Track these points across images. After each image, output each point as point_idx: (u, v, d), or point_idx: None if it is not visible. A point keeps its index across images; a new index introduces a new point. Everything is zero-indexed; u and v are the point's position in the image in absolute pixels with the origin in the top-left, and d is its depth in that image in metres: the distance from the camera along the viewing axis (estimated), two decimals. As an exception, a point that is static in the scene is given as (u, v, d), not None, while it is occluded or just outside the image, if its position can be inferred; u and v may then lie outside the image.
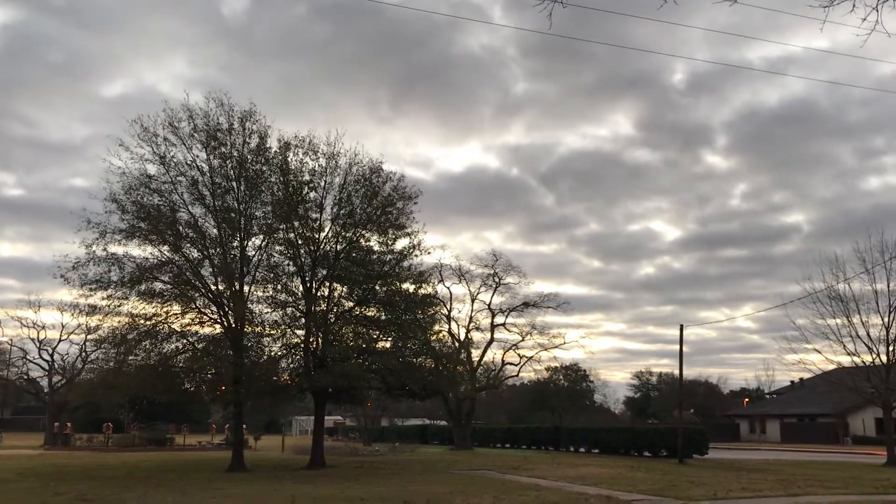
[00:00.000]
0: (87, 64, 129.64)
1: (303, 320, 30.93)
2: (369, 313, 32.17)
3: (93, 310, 29.20)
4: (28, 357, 59.76)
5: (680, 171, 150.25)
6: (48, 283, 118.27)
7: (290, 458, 38.91)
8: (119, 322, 29.02)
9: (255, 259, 30.40)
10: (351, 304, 31.90)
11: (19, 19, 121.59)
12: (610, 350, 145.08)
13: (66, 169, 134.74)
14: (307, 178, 30.62)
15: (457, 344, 50.16)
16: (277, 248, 31.04)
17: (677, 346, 39.80)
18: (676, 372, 47.89)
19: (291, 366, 32.05)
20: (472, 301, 53.01)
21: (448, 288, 51.52)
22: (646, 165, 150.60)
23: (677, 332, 39.91)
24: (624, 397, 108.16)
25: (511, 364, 54.63)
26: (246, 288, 29.98)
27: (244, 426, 35.49)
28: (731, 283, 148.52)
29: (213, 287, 29.53)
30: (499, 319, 53.38)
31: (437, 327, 36.94)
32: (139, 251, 28.94)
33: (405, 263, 31.97)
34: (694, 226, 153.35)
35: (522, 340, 53.39)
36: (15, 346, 60.04)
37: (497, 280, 52.67)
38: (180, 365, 31.05)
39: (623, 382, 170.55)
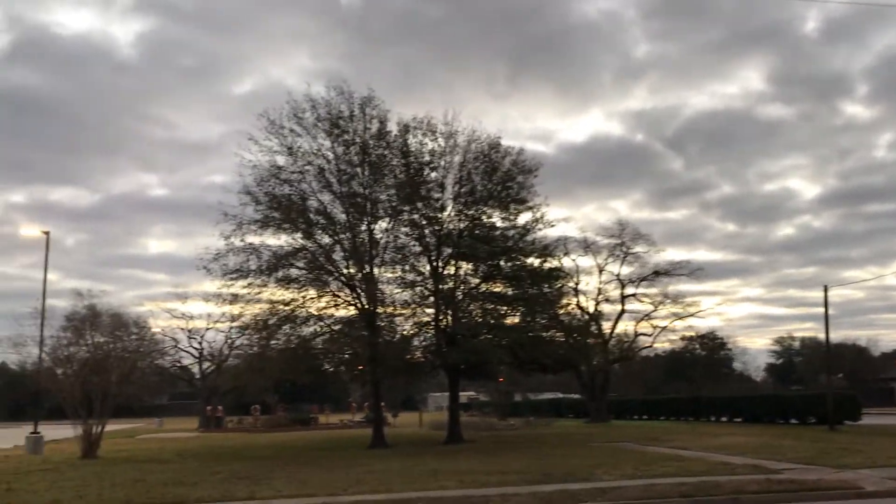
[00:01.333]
0: (218, 65, 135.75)
1: (431, 299, 31.41)
2: (496, 289, 32.26)
3: (234, 298, 30.70)
4: (179, 346, 63.57)
5: (817, 124, 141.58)
6: (193, 276, 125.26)
7: (428, 433, 39.74)
8: (260, 309, 30.43)
9: (383, 242, 31.07)
10: (477, 280, 32.08)
11: (154, 28, 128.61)
12: (748, 316, 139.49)
13: (204, 167, 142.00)
14: (427, 158, 30.94)
15: (587, 317, 49.61)
16: (403, 229, 31.58)
17: (821, 310, 37.87)
18: (821, 336, 45.46)
19: (423, 343, 32.69)
20: (600, 272, 52.25)
21: (574, 260, 50.98)
22: (780, 121, 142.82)
23: (820, 295, 37.93)
24: (765, 364, 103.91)
25: (644, 335, 53.58)
26: (376, 270, 30.71)
27: (382, 403, 36.51)
28: (878, 240, 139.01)
29: (344, 271, 30.46)
30: (629, 290, 52.45)
31: (564, 301, 36.65)
32: (274, 240, 30.22)
33: (529, 238, 31.84)
34: (835, 181, 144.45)
35: (655, 310, 52.29)
36: (167, 336, 64.11)
37: (625, 250, 51.68)
38: (319, 347, 32.30)
39: (763, 349, 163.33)
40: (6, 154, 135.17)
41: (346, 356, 33.18)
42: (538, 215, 31.30)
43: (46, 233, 34.76)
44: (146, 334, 33.19)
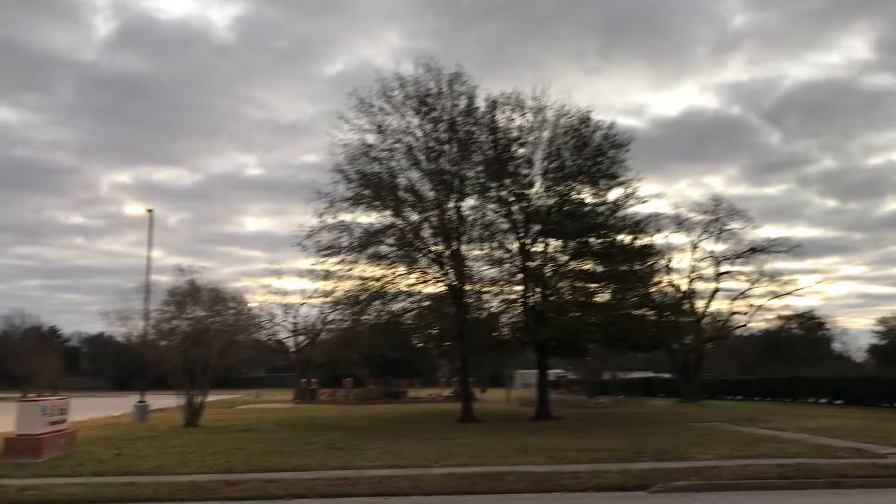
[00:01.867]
0: (310, 47, 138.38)
1: (519, 276, 31.36)
2: (585, 266, 31.89)
3: (327, 275, 31.45)
4: (275, 320, 65.55)
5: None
6: (288, 253, 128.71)
7: (516, 409, 39.84)
8: (351, 285, 31.10)
9: (471, 218, 31.14)
10: (566, 258, 31.79)
11: (250, 11, 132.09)
12: (849, 295, 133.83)
13: (297, 147, 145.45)
14: (515, 134, 30.75)
15: (679, 294, 48.55)
16: (490, 206, 31.53)
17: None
18: (932, 315, 43.12)
19: (511, 321, 32.70)
20: (693, 249, 50.96)
21: (666, 237, 49.82)
22: (887, 91, 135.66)
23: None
24: (868, 345, 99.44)
25: (739, 313, 52.06)
26: (463, 247, 30.85)
27: (470, 379, 36.79)
28: None
29: (433, 248, 30.72)
30: (724, 267, 51.00)
31: (656, 278, 35.96)
32: (365, 217, 30.72)
33: (620, 214, 31.30)
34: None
35: (751, 288, 50.72)
36: (263, 311, 66.10)
37: (720, 226, 50.21)
38: (408, 323, 32.77)
39: (865, 329, 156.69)
40: (113, 136, 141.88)
41: (435, 332, 33.58)
42: (630, 191, 30.75)
43: (150, 211, 36.36)
44: (244, 309, 34.32)
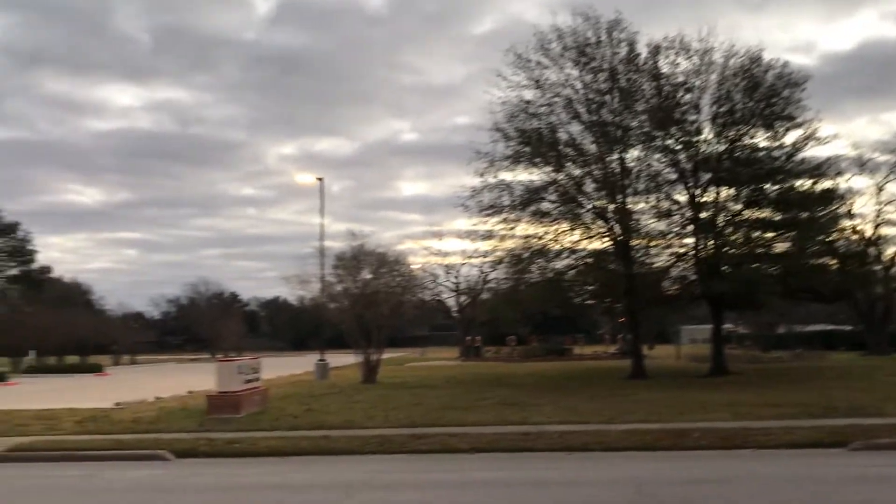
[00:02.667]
0: (458, 8, 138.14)
1: (689, 228, 30.24)
2: (761, 215, 30.26)
3: (488, 234, 31.67)
4: (437, 281, 66.99)
5: None
6: (446, 214, 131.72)
7: (687, 365, 38.73)
8: (513, 243, 31.17)
9: (635, 170, 30.24)
10: (739, 207, 30.27)
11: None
12: None
13: (449, 109, 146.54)
14: (680, 79, 29.43)
15: (864, 241, 45.15)
16: (656, 156, 30.48)
17: None
18: None
19: (680, 274, 31.71)
20: (878, 192, 47.07)
21: (847, 181, 46.26)
22: None
23: None
24: None
25: (933, 259, 47.78)
26: (628, 200, 30.06)
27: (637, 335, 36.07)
28: None
29: (596, 202, 30.15)
30: (915, 209, 46.77)
31: (838, 225, 33.62)
32: (526, 175, 30.54)
33: (797, 158, 29.37)
34: None
35: (946, 230, 46.32)
36: (426, 272, 67.71)
37: (906, 165, 45.99)
38: (571, 280, 32.46)
39: None
40: (277, 110, 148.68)
41: (599, 289, 33.08)
42: (808, 132, 28.73)
43: (320, 179, 37.96)
44: (407, 271, 35.26)
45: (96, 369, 49.78)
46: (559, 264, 31.85)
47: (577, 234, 30.79)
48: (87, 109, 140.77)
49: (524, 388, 26.03)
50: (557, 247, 31.04)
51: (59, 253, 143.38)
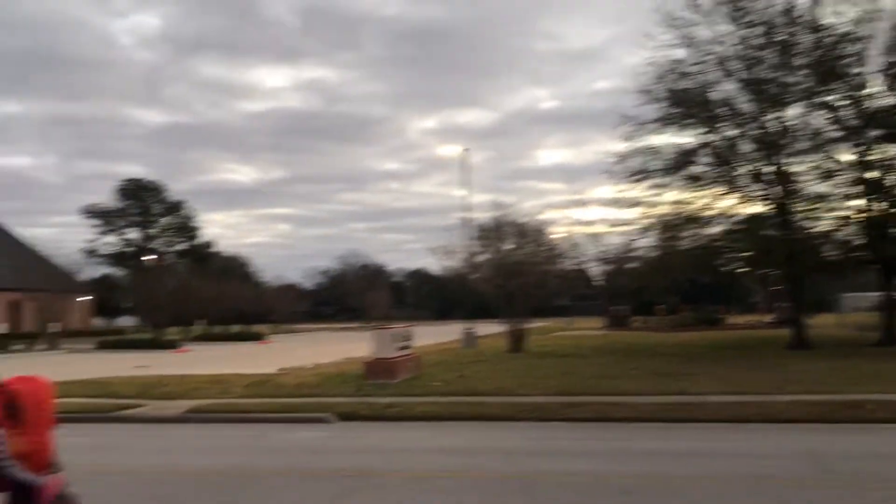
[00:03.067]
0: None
1: (855, 189, 28.25)
2: (937, 172, 27.81)
3: (635, 201, 30.83)
4: (580, 250, 66.03)
5: None
6: (588, 182, 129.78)
7: (851, 335, 36.44)
8: (662, 209, 30.20)
9: (795, 129, 28.46)
10: (912, 164, 27.95)
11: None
12: None
13: (590, 74, 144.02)
14: (844, 30, 27.29)
15: None
16: (817, 114, 28.56)
17: None
18: None
19: (845, 238, 29.75)
20: None
21: None
22: None
23: None
24: None
25: None
26: (787, 161, 28.40)
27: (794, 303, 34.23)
28: None
29: (753, 164, 28.69)
30: None
31: None
32: (675, 138, 29.45)
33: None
34: None
35: None
36: (569, 241, 66.91)
37: None
38: (725, 246, 31.16)
39: None
40: (418, 84, 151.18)
41: (755, 255, 31.57)
42: None
43: (466, 150, 38.31)
44: (551, 241, 34.97)
45: (258, 337, 52.92)
46: (712, 230, 30.63)
47: (731, 199, 29.46)
48: (241, 92, 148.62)
49: (677, 357, 25.36)
50: (710, 212, 29.84)
51: (219, 229, 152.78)
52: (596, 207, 62.00)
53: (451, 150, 41.88)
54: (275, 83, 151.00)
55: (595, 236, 63.94)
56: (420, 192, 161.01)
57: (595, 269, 69.79)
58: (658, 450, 10.54)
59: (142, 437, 12.74)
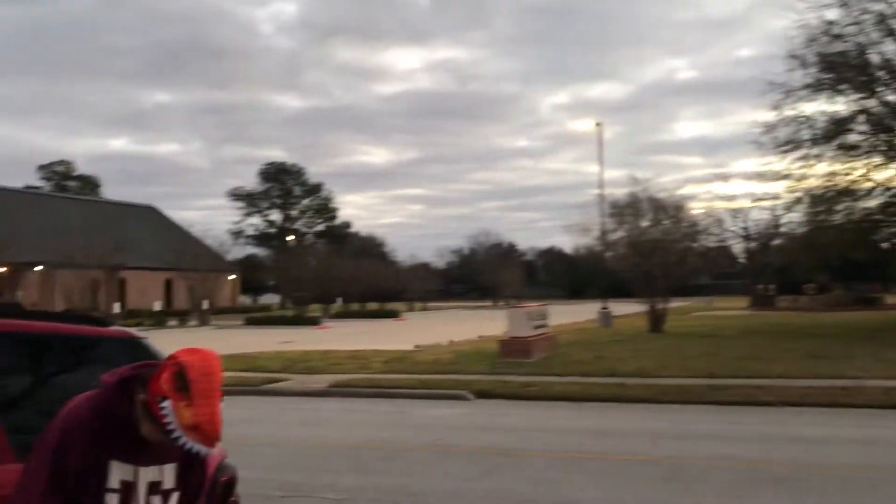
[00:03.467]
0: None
1: None
2: None
3: (783, 174, 29.14)
4: (723, 226, 63.21)
5: None
6: (730, 155, 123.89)
7: None
8: (813, 182, 28.42)
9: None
10: None
11: None
12: None
13: (730, 42, 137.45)
14: None
15: None
16: None
17: None
18: None
19: None
20: None
21: None
22: None
23: None
24: None
25: None
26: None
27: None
28: None
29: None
30: None
31: None
32: (828, 105, 27.58)
33: None
34: None
35: None
36: (710, 217, 64.19)
37: None
38: (883, 220, 29.03)
39: None
40: (549, 60, 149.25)
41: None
42: None
43: (599, 125, 37.43)
44: (690, 217, 33.67)
45: (394, 314, 54.09)
46: (868, 203, 28.58)
47: (891, 169, 27.31)
48: (375, 75, 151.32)
49: (832, 339, 23.85)
50: (867, 184, 27.81)
51: (355, 210, 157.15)
52: (738, 181, 59.43)
53: (583, 125, 40.98)
54: (407, 65, 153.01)
55: (737, 211, 61.37)
56: (551, 169, 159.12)
57: (737, 247, 67.06)
58: (812, 436, 9.91)
59: (288, 410, 13.22)
